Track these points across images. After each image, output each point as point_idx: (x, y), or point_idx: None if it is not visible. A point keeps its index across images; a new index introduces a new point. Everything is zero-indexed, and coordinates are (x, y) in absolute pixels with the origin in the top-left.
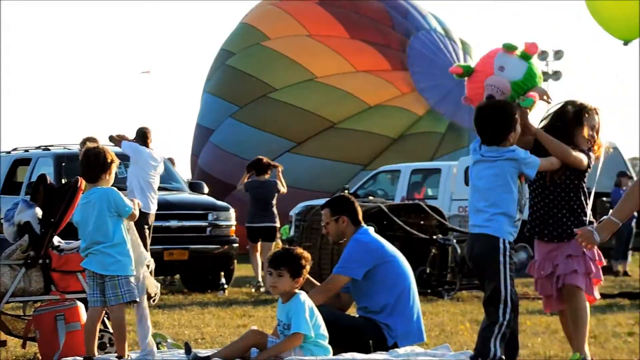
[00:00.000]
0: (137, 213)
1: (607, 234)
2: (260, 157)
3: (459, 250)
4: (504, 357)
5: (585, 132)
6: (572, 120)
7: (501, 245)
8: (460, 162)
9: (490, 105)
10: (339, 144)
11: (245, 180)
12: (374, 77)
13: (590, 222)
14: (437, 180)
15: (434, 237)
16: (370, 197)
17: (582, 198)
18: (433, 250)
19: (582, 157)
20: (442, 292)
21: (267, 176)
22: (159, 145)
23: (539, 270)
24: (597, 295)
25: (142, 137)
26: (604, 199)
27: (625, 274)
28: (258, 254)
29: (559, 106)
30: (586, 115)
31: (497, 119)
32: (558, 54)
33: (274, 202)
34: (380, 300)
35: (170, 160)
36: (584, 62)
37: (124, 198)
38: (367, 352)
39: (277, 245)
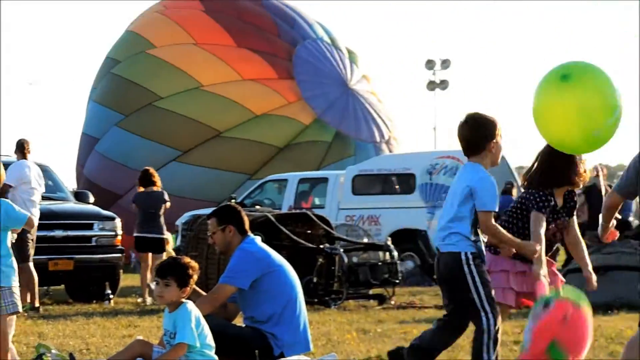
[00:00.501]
0: (34, 220)
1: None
2: (147, 168)
3: (345, 260)
4: None
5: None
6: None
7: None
8: (347, 171)
9: (468, 117)
10: (225, 152)
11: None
12: (260, 85)
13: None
14: (324, 189)
15: (321, 246)
16: (257, 207)
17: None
18: (320, 260)
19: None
20: (329, 302)
21: (155, 188)
22: (44, 156)
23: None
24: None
25: (21, 148)
26: None
27: None
28: (149, 264)
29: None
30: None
31: (473, 130)
32: (445, 63)
33: (162, 213)
34: (266, 309)
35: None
36: (472, 72)
37: (15, 207)
38: None
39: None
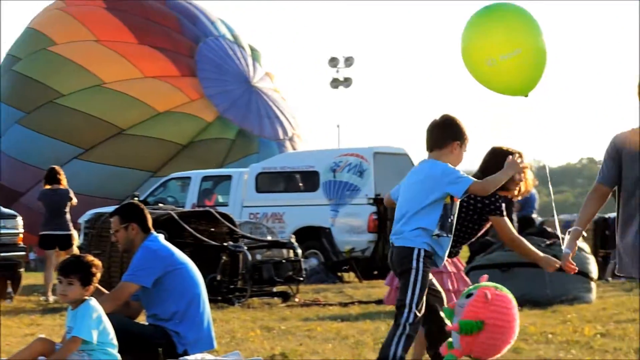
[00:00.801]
0: None
1: (574, 243)
2: (53, 166)
3: (249, 257)
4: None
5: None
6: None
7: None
8: (251, 169)
9: (443, 115)
10: (128, 150)
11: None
12: (163, 83)
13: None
14: (228, 187)
15: (225, 244)
16: (160, 205)
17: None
18: (224, 257)
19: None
20: (233, 299)
21: (61, 185)
22: None
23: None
24: None
25: None
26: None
27: None
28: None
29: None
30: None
31: (442, 127)
32: (349, 61)
33: (67, 210)
34: (169, 307)
35: None
36: (375, 69)
37: None
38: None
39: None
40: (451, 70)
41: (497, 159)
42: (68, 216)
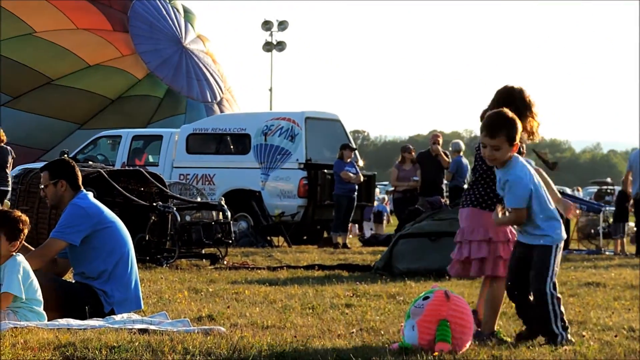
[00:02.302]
0: None
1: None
2: None
3: (178, 218)
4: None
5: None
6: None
7: None
8: (182, 130)
9: None
10: (56, 100)
11: None
12: (95, 36)
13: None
14: (159, 147)
15: (154, 204)
16: (90, 162)
17: None
18: (153, 218)
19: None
20: (161, 260)
21: (2, 143)
22: None
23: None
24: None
25: None
26: (326, 170)
27: (345, 246)
28: None
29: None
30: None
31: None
32: (282, 25)
33: (9, 166)
34: (97, 266)
35: None
36: (309, 33)
37: None
38: (83, 318)
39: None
40: (387, 36)
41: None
42: (9, 171)
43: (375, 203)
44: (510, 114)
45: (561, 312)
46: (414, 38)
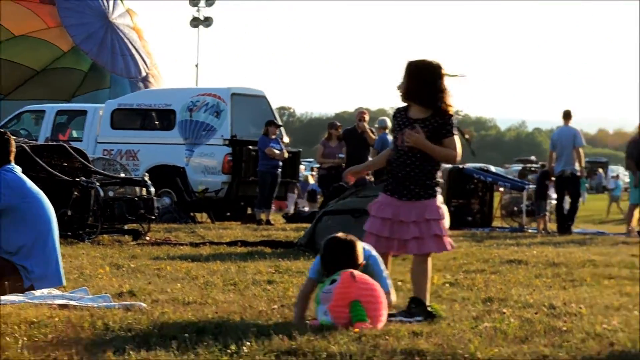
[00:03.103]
0: None
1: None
2: None
3: (101, 193)
4: None
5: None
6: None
7: None
8: (106, 105)
9: None
10: None
11: None
12: (20, 7)
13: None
14: (83, 122)
15: (77, 179)
16: (13, 137)
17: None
18: (75, 193)
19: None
20: (83, 235)
21: None
22: None
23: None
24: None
25: None
26: (251, 147)
27: (268, 222)
28: None
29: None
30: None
31: None
32: (210, 1)
33: None
34: (17, 240)
35: None
36: (236, 9)
37: None
38: (3, 293)
39: None
40: (313, 12)
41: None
42: None
43: (311, 182)
44: None
45: None
46: (339, 14)
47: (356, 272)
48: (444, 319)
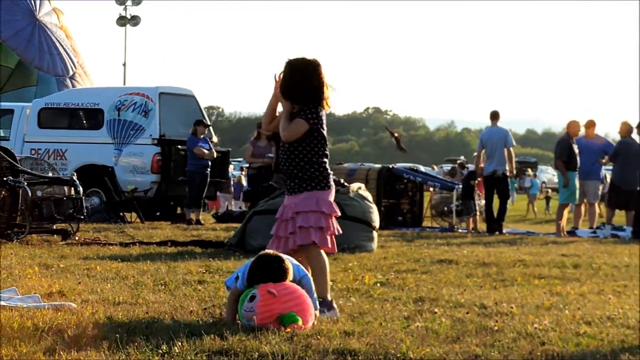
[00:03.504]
0: None
1: None
2: None
3: (29, 193)
4: None
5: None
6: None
7: None
8: (33, 104)
9: None
10: None
11: None
12: None
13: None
14: (9, 121)
15: (5, 179)
16: None
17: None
18: (3, 193)
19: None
20: (11, 235)
21: None
22: None
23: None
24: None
25: None
26: (179, 146)
27: (198, 222)
28: None
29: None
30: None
31: None
32: (136, 0)
33: None
34: None
35: None
36: (163, 8)
37: None
38: None
39: None
40: (241, 9)
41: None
42: None
43: (244, 183)
44: None
45: None
46: (268, 13)
47: (274, 287)
48: (375, 319)
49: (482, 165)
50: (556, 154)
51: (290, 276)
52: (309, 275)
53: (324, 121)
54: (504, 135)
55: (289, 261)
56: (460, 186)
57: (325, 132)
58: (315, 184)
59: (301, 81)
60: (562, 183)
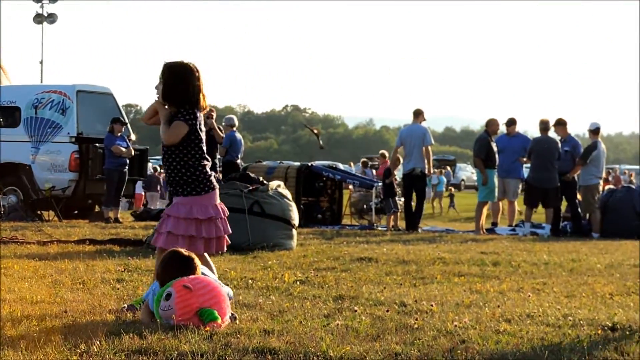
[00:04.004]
0: None
1: None
2: None
3: None
4: None
5: None
6: None
7: None
8: None
9: None
10: None
11: None
12: None
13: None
14: None
15: None
16: None
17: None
18: None
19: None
20: None
21: None
22: None
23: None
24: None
25: None
26: (97, 144)
27: (117, 220)
28: None
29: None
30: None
31: None
32: None
33: None
34: None
35: None
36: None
37: None
38: None
39: None
40: (159, 8)
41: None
42: None
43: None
44: None
45: None
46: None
47: (188, 282)
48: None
49: (399, 162)
50: (474, 152)
51: (199, 269)
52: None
53: (202, 123)
54: (423, 133)
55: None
56: (380, 184)
57: (203, 135)
58: (191, 189)
59: (178, 84)
60: (481, 181)
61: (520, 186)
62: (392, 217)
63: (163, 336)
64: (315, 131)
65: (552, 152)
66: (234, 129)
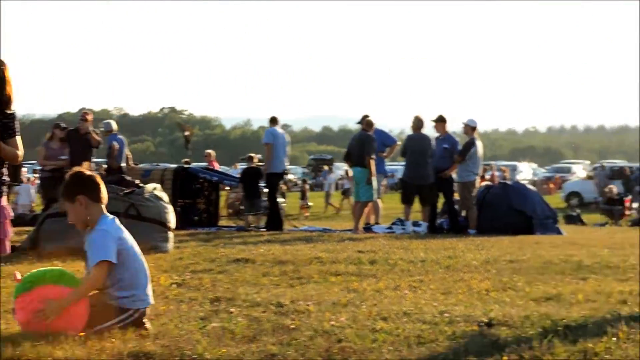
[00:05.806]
0: None
1: None
2: None
3: None
4: None
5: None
6: None
7: None
8: None
9: None
10: None
11: None
12: None
13: None
14: None
15: None
16: None
17: None
18: None
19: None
20: None
21: None
22: None
23: None
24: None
25: None
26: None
27: None
28: None
29: None
30: None
31: None
32: None
33: None
34: None
35: None
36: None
37: None
38: None
39: None
40: (91, 9)
41: None
42: None
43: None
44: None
45: None
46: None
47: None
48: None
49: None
50: (366, 152)
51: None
52: None
53: None
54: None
55: None
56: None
57: None
58: None
59: None
60: (366, 180)
61: (386, 182)
62: (255, 217)
63: (36, 343)
64: (187, 132)
65: (425, 149)
66: (114, 132)
